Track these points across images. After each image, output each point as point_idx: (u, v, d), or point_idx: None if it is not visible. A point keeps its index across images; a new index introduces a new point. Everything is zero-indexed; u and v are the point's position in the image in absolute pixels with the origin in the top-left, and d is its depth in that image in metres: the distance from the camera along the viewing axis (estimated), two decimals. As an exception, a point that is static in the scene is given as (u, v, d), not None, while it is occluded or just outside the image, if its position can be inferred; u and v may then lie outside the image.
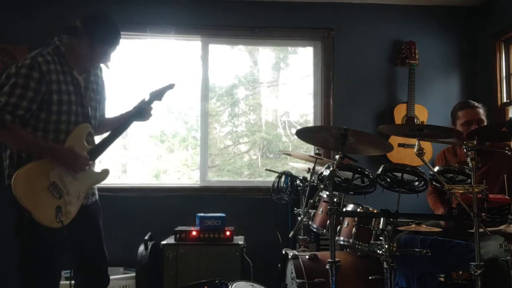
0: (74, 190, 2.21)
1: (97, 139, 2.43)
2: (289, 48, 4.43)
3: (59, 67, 2.21)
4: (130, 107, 2.52)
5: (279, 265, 2.85)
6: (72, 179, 2.21)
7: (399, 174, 2.37)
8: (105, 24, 2.30)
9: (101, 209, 2.46)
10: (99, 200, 2.48)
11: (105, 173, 2.38)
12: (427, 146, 3.68)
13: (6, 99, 2.06)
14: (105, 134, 2.43)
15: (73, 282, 2.35)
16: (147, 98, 2.53)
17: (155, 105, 2.54)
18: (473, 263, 1.96)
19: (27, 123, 2.14)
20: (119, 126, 2.40)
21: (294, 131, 4.20)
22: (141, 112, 2.48)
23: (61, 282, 2.29)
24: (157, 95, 2.55)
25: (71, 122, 2.23)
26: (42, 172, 2.12)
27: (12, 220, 2.15)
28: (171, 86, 2.60)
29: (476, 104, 3.01)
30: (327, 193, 2.59)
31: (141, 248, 3.36)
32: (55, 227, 2.10)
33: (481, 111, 2.97)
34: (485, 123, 2.94)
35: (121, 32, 2.40)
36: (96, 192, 2.46)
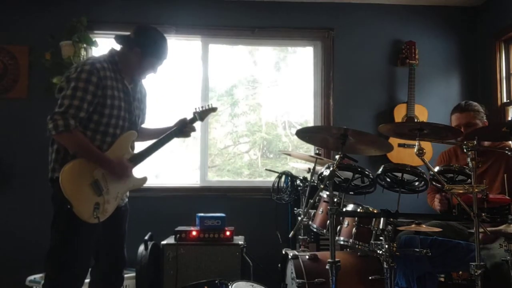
0: (114, 191, 2.33)
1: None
2: (289, 48, 4.43)
3: (113, 74, 2.35)
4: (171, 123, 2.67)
5: (279, 265, 2.85)
6: (114, 180, 2.33)
7: (399, 174, 2.37)
8: (156, 38, 2.46)
9: (128, 212, 2.56)
10: None
11: (143, 179, 2.52)
12: (427, 146, 3.68)
13: (70, 102, 2.18)
14: (146, 143, 2.57)
15: (86, 281, 2.39)
16: (190, 117, 2.68)
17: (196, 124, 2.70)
18: (473, 263, 1.96)
19: (80, 123, 2.24)
20: (161, 139, 2.56)
21: (294, 131, 4.20)
22: (183, 130, 2.63)
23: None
24: (201, 116, 2.73)
25: (118, 126, 2.35)
26: (87, 168, 2.25)
27: (50, 213, 2.26)
28: (214, 109, 2.80)
29: (469, 106, 2.93)
30: (327, 193, 2.59)
31: (141, 248, 3.36)
32: (91, 223, 2.20)
33: (472, 113, 2.89)
34: (479, 125, 2.87)
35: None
36: (128, 195, 2.57)
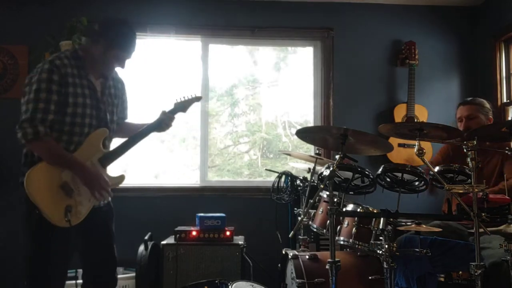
0: (86, 192, 2.22)
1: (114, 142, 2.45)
2: (289, 48, 4.43)
3: (76, 70, 2.24)
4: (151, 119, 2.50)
5: (279, 265, 2.85)
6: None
7: (399, 174, 2.37)
8: (120, 29, 2.29)
9: (113, 212, 2.47)
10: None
11: (120, 178, 2.39)
12: (427, 146, 3.68)
13: (34, 106, 2.09)
14: (123, 140, 2.44)
15: (79, 281, 2.36)
16: (170, 108, 2.53)
17: (177, 116, 2.54)
18: (473, 263, 1.96)
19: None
20: (136, 134, 2.42)
21: (294, 131, 4.20)
22: (161, 123, 2.48)
23: (67, 282, 2.29)
24: (183, 106, 2.57)
25: (85, 124, 2.24)
26: (54, 170, 2.15)
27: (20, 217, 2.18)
28: (198, 99, 2.61)
29: (472, 100, 2.99)
30: (327, 193, 2.59)
31: (141, 248, 3.36)
32: (62, 226, 2.11)
33: (475, 107, 2.93)
34: (482, 120, 2.91)
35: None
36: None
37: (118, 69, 2.43)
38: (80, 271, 2.42)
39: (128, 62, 2.37)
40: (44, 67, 2.15)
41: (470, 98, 3.04)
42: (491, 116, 2.96)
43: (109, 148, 2.39)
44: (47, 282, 2.17)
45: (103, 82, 2.36)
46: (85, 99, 2.24)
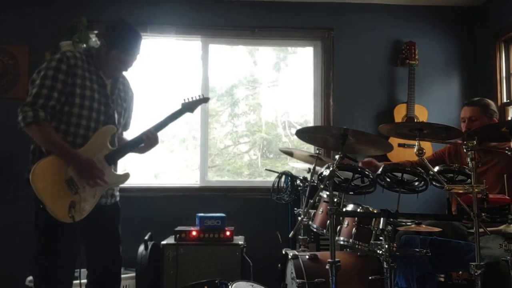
0: (91, 188, 2.24)
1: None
2: (289, 48, 4.43)
3: (86, 65, 2.29)
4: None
5: (279, 265, 2.85)
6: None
7: (399, 174, 2.37)
8: (122, 31, 2.33)
9: (120, 212, 2.47)
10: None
11: (125, 176, 2.41)
12: (427, 146, 3.68)
13: (38, 90, 2.14)
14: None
15: (84, 281, 2.36)
16: (178, 108, 2.54)
17: (185, 116, 2.56)
18: (473, 263, 1.96)
19: (54, 116, 2.20)
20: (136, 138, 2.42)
21: (294, 131, 4.20)
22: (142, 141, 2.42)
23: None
24: (190, 107, 2.57)
25: (92, 118, 2.27)
26: (60, 166, 2.17)
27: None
28: (205, 100, 2.63)
29: (477, 101, 2.93)
30: (327, 193, 2.59)
31: (141, 248, 3.36)
32: (66, 222, 2.13)
33: (478, 108, 2.87)
34: (485, 121, 2.85)
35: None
36: (117, 194, 2.48)
37: (125, 73, 2.47)
38: (83, 270, 2.42)
39: (133, 65, 2.42)
40: (54, 57, 2.22)
41: (477, 99, 2.96)
42: (495, 118, 2.90)
43: (115, 146, 2.40)
44: (55, 278, 2.18)
45: (112, 83, 2.41)
46: (93, 92, 2.28)
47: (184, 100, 2.58)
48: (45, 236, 2.16)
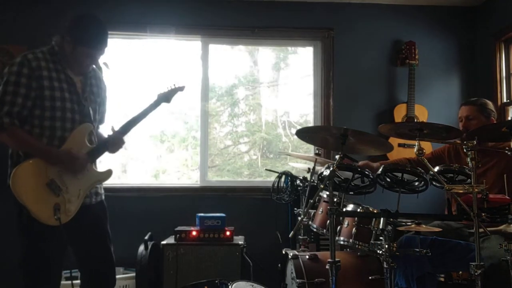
0: (74, 189, 2.21)
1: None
2: (289, 48, 4.43)
3: (51, 65, 2.22)
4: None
5: (279, 265, 2.85)
6: (72, 177, 2.21)
7: (399, 174, 2.37)
8: (89, 25, 2.25)
9: (107, 211, 2.44)
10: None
11: (108, 173, 2.37)
12: (427, 146, 3.68)
13: (1, 98, 2.10)
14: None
15: (76, 282, 2.35)
16: (154, 99, 2.51)
17: (161, 107, 2.53)
18: (473, 263, 1.96)
19: (25, 121, 2.16)
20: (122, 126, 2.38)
21: (294, 131, 4.20)
22: (109, 142, 2.37)
23: (62, 282, 2.28)
24: (166, 97, 2.55)
25: (66, 119, 2.22)
26: (40, 169, 2.13)
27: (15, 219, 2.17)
28: (181, 88, 2.60)
29: (474, 100, 2.94)
30: (327, 193, 2.58)
31: (141, 248, 3.36)
32: (52, 225, 2.10)
33: (475, 107, 2.88)
34: (482, 120, 2.85)
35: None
36: (102, 192, 2.44)
37: (105, 69, 2.42)
38: (75, 271, 2.41)
39: (101, 58, 2.33)
40: (15, 61, 2.17)
41: (474, 99, 2.98)
42: (493, 118, 2.91)
43: (95, 143, 2.36)
44: (42, 282, 2.16)
45: (83, 80, 2.33)
46: (63, 92, 2.22)
47: (160, 92, 2.56)
48: (30, 240, 2.14)
